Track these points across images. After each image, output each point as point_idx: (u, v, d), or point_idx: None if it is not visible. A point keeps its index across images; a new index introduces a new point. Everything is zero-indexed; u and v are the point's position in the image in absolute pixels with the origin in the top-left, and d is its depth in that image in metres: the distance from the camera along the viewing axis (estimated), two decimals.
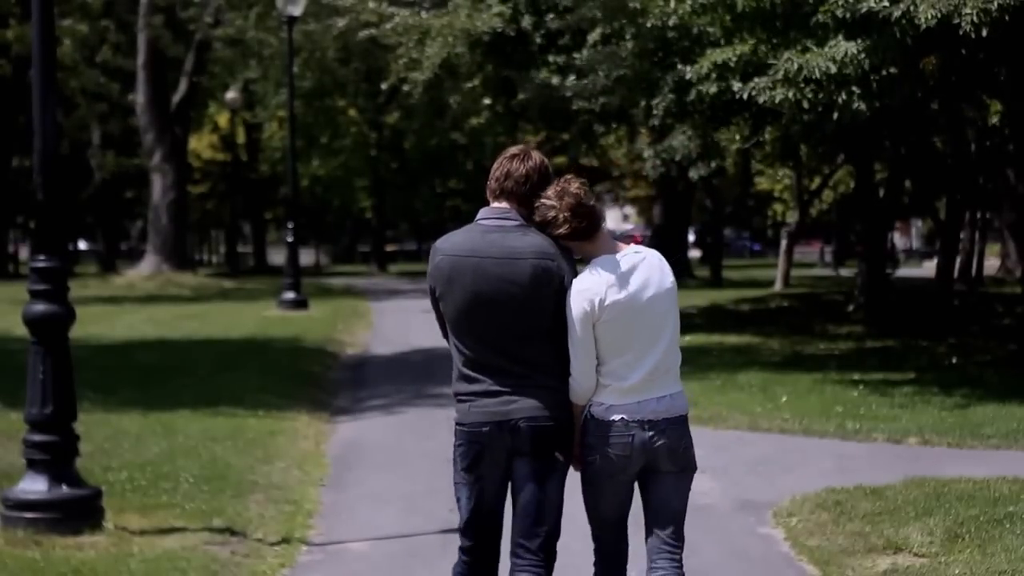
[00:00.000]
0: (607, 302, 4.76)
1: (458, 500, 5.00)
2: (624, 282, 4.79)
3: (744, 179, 44.16)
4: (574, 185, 4.83)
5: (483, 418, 4.84)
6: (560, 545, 5.04)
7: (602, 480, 4.90)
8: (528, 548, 4.94)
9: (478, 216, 4.96)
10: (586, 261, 4.90)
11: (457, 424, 4.94)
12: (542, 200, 4.83)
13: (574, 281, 4.83)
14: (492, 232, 4.87)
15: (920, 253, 63.62)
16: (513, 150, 5.03)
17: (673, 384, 5.00)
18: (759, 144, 21.53)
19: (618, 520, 5.01)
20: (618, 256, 4.85)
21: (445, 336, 5.04)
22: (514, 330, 4.83)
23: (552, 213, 4.80)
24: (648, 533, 5.08)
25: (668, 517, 5.07)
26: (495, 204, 4.93)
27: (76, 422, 7.61)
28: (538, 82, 18.56)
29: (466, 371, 4.89)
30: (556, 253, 4.82)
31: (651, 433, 4.87)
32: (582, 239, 4.84)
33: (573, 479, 5.00)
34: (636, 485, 5.05)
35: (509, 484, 4.95)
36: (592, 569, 5.11)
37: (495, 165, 5.00)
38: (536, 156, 4.97)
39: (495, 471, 4.90)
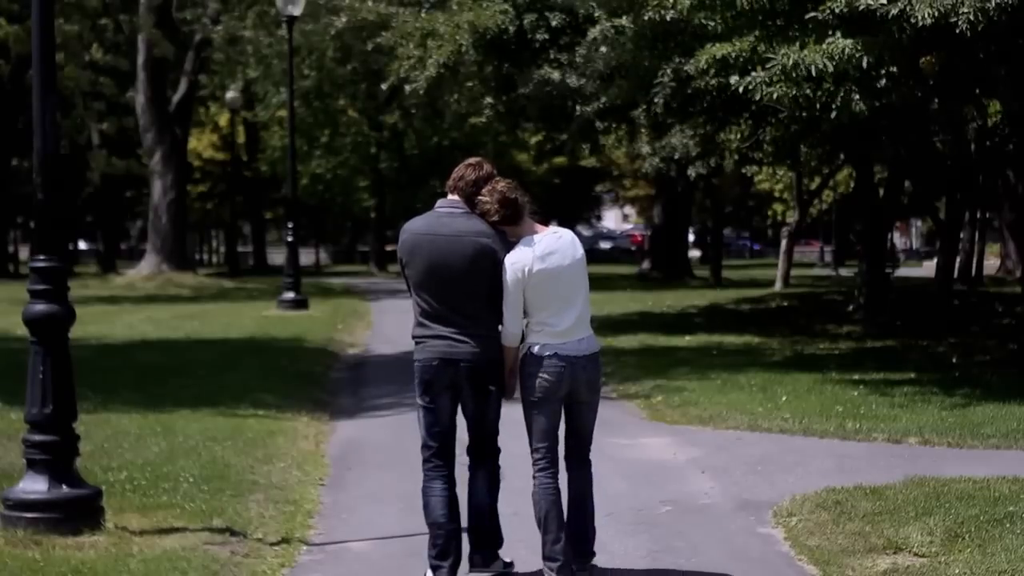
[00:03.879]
0: (533, 270, 6.39)
1: (419, 420, 6.61)
2: (545, 255, 6.42)
3: (744, 179, 44.17)
4: (500, 184, 6.49)
5: (434, 354, 6.48)
6: None
7: (540, 400, 6.45)
8: (475, 453, 6.66)
9: (436, 205, 6.66)
10: (516, 240, 6.47)
11: (415, 360, 6.57)
12: (479, 197, 6.49)
13: (507, 256, 6.43)
14: (444, 217, 6.56)
15: (920, 253, 63.65)
16: (471, 160, 6.69)
17: (587, 329, 6.57)
18: (759, 144, 21.51)
19: (552, 430, 6.54)
20: (539, 237, 6.48)
21: (412, 296, 6.64)
22: (459, 290, 6.45)
23: (486, 206, 6.46)
24: (567, 444, 6.69)
25: (582, 433, 6.69)
26: (450, 197, 6.62)
27: (76, 422, 7.60)
28: (537, 78, 18.54)
29: (423, 320, 6.54)
30: (492, 234, 6.47)
31: (575, 366, 6.46)
32: (510, 224, 6.48)
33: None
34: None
35: (458, 407, 6.58)
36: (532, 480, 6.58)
37: (456, 169, 6.66)
38: (487, 167, 6.63)
39: (444, 396, 6.52)
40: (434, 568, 6.53)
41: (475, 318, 6.46)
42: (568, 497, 6.67)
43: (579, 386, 6.50)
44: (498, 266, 6.42)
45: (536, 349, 6.45)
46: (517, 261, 6.39)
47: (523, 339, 6.52)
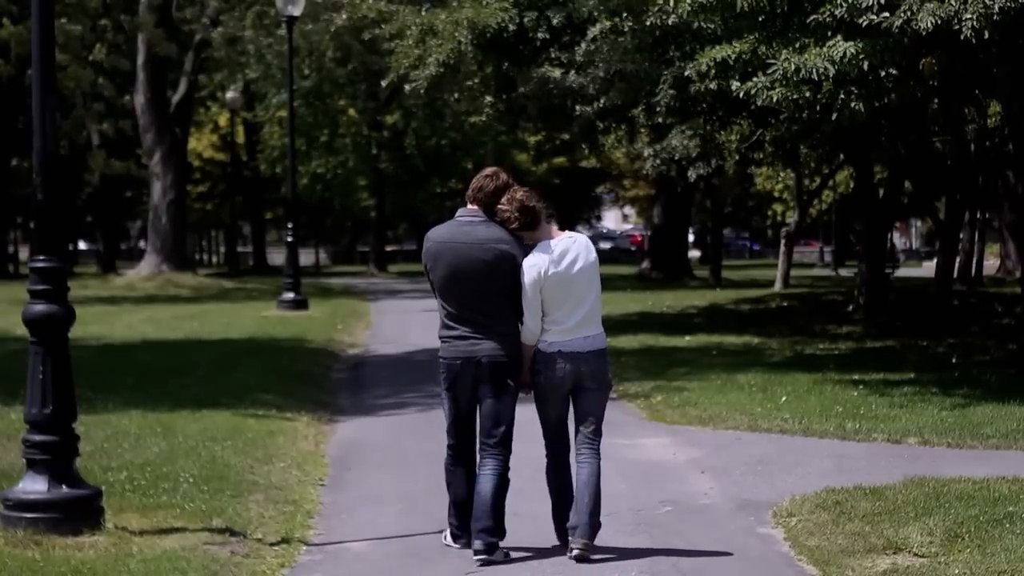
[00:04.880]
0: (549, 273, 6.99)
1: (444, 411, 7.30)
2: (560, 259, 7.02)
3: (744, 179, 44.16)
4: (519, 194, 7.07)
5: (458, 354, 7.10)
6: None
7: (547, 392, 7.14)
8: (490, 443, 7.19)
9: (457, 214, 7.26)
10: (533, 245, 7.05)
11: (440, 358, 7.20)
12: (499, 206, 7.07)
13: (525, 259, 7.04)
14: (465, 225, 7.14)
15: (920, 253, 63.64)
16: (488, 171, 7.31)
17: (596, 327, 7.15)
18: (759, 144, 21.49)
19: (559, 420, 7.23)
20: (554, 241, 7.08)
21: (437, 299, 7.24)
22: (481, 293, 7.05)
23: (506, 214, 7.05)
24: (576, 431, 7.23)
25: (591, 419, 7.21)
26: (469, 206, 7.20)
27: (76, 422, 7.60)
28: (537, 77, 18.54)
29: (448, 321, 7.15)
30: (510, 240, 7.07)
31: (579, 361, 7.06)
32: (527, 230, 7.07)
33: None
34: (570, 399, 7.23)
35: (478, 401, 7.17)
36: (544, 462, 7.36)
37: (474, 180, 7.24)
38: (503, 177, 7.22)
39: (466, 390, 7.14)
40: (455, 536, 7.30)
41: (496, 318, 7.06)
42: (576, 483, 7.16)
43: (583, 378, 7.09)
44: (517, 270, 7.02)
45: (543, 346, 7.07)
46: (534, 265, 7.00)
47: None
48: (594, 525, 7.07)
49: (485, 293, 7.04)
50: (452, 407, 7.22)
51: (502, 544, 7.13)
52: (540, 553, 7.20)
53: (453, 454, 7.30)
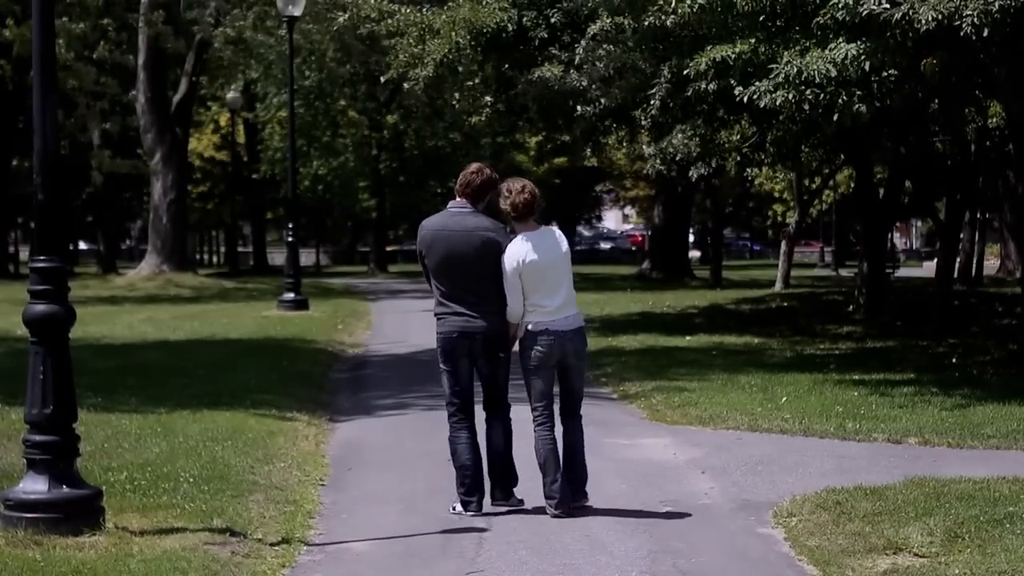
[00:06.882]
0: (526, 260, 7.90)
1: (443, 382, 8.17)
2: (536, 248, 7.93)
3: (744, 179, 44.15)
4: (527, 192, 7.95)
5: (453, 329, 8.02)
6: None
7: (537, 366, 8.00)
8: (492, 408, 8.20)
9: (448, 206, 8.20)
10: (515, 234, 7.98)
11: (438, 333, 8.09)
12: (508, 186, 8.00)
13: (507, 247, 7.93)
14: (456, 216, 8.10)
15: (920, 253, 63.67)
16: (473, 168, 8.23)
17: (573, 308, 8.09)
18: (760, 145, 21.49)
19: (546, 392, 8.07)
20: (532, 233, 7.97)
21: (428, 281, 8.17)
22: (470, 275, 7.96)
23: (504, 203, 7.99)
24: (561, 403, 8.15)
25: (573, 392, 8.19)
26: (459, 199, 8.14)
27: (76, 422, 7.59)
28: (536, 78, 18.53)
29: (442, 300, 8.05)
30: (496, 228, 8.05)
31: (563, 339, 7.99)
32: (517, 221, 8.00)
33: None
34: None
35: (475, 372, 8.10)
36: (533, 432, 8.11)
37: (461, 176, 8.17)
38: (487, 172, 8.18)
39: (462, 362, 8.06)
40: (465, 503, 8.06)
41: (484, 297, 7.95)
42: (563, 447, 8.10)
43: (567, 355, 8.02)
44: (502, 255, 7.91)
45: (531, 326, 7.97)
46: (514, 253, 7.91)
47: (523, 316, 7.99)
48: (580, 488, 8.03)
49: (474, 275, 7.95)
50: (451, 378, 8.09)
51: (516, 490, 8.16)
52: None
53: (455, 422, 8.13)
